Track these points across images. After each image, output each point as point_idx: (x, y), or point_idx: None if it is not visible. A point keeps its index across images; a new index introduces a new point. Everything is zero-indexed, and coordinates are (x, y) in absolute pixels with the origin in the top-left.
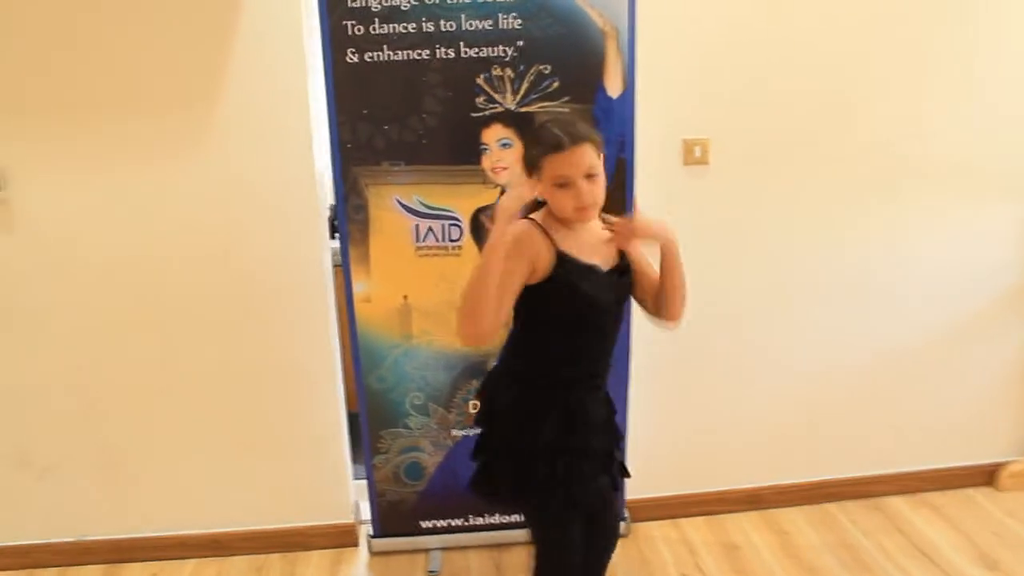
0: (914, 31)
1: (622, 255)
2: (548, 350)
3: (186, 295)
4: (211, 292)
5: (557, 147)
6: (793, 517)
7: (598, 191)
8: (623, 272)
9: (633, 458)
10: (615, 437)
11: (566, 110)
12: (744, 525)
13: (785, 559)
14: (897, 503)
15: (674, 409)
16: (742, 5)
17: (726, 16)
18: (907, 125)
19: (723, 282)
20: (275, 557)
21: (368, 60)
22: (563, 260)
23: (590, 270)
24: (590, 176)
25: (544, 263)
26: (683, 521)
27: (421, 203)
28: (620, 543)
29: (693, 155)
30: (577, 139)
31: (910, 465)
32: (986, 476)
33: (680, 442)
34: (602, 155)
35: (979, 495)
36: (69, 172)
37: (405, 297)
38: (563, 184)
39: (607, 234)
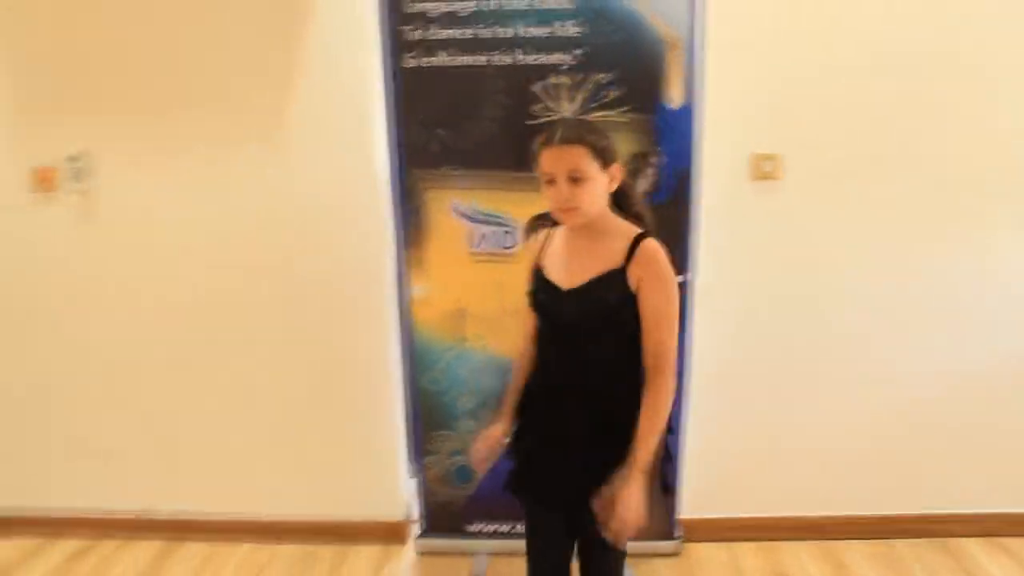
0: (999, 43)
1: (611, 278)
2: (535, 358)
3: (253, 287)
4: (277, 285)
5: (547, 142)
6: (855, 550)
7: (581, 195)
8: (607, 287)
9: (690, 476)
10: (605, 451)
11: (626, 120)
12: (800, 555)
13: None
14: (970, 545)
15: (736, 428)
16: (816, 15)
17: (798, 26)
18: (991, 141)
19: (793, 303)
20: (325, 549)
21: (427, 65)
22: (536, 272)
23: (549, 285)
24: (575, 179)
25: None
26: (738, 545)
27: (477, 209)
28: (670, 562)
29: (762, 170)
30: (567, 139)
31: (988, 506)
32: None
33: (740, 463)
34: (614, 165)
35: None
36: (147, 166)
37: (461, 301)
38: (549, 181)
39: (599, 250)
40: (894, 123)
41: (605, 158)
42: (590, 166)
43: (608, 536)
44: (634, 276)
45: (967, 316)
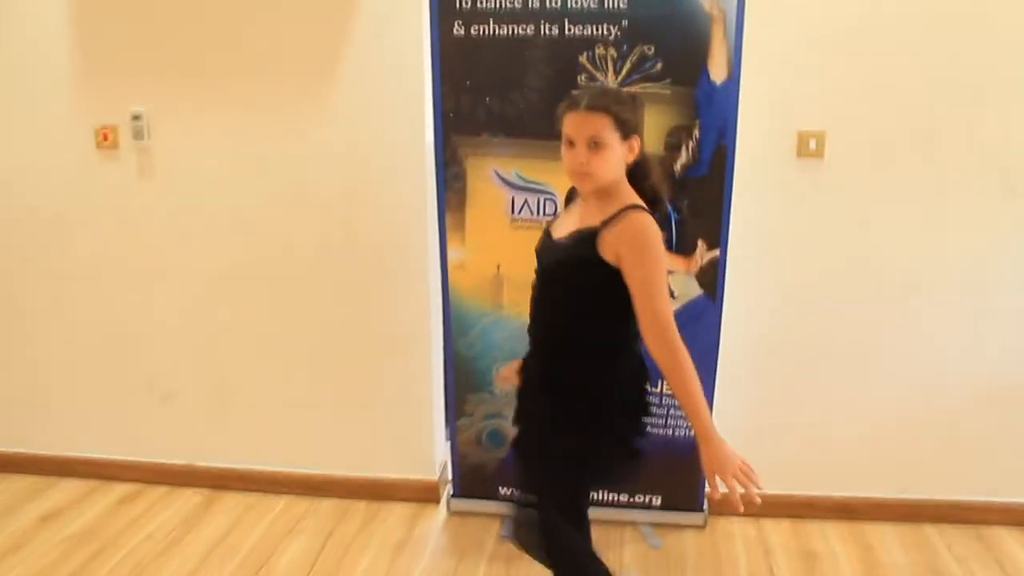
0: None
1: (583, 235)
2: None
3: (300, 248)
4: (323, 246)
5: (572, 105)
6: (884, 533)
7: (597, 162)
8: (575, 244)
9: None
10: (546, 404)
11: (667, 92)
12: (828, 534)
13: (864, 571)
14: (1002, 534)
15: (768, 405)
16: None
17: (851, 7)
18: None
19: (834, 282)
20: (360, 504)
21: (473, 34)
22: (545, 228)
23: (548, 236)
24: (595, 145)
25: None
26: (766, 521)
27: (519, 176)
28: (697, 534)
29: (808, 147)
30: (592, 106)
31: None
32: None
33: (770, 439)
34: (634, 137)
35: None
36: (203, 127)
37: (498, 267)
38: (569, 143)
39: (594, 211)
40: (943, 102)
41: (626, 130)
42: (611, 135)
43: (733, 496)
44: (607, 243)
45: (1013, 304)
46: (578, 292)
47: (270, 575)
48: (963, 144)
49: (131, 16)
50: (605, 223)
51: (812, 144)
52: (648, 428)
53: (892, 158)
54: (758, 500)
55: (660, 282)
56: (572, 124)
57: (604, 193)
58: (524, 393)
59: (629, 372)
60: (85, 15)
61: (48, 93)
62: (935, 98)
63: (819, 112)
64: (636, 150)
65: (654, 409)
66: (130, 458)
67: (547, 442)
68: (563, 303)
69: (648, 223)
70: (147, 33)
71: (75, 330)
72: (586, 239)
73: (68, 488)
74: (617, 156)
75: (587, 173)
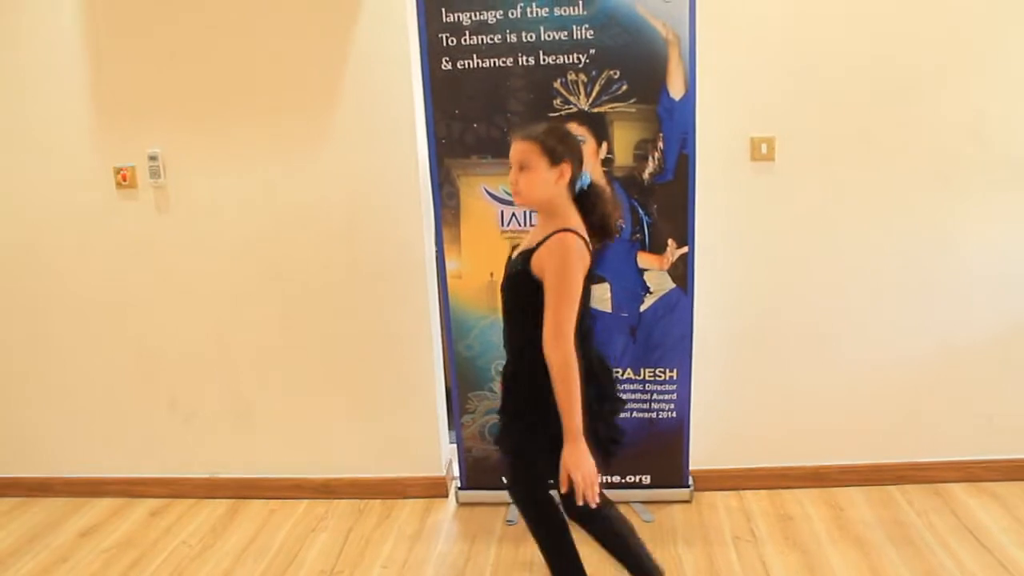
0: (975, 28)
1: (523, 254)
2: None
3: (308, 269)
4: (329, 267)
5: (514, 137)
6: (852, 495)
7: (524, 182)
8: (517, 262)
9: (700, 432)
10: (509, 401)
11: (633, 110)
12: (803, 499)
13: (835, 530)
14: (957, 489)
15: (743, 387)
16: (801, 11)
17: (786, 21)
18: (969, 122)
19: (789, 272)
20: (375, 502)
21: (460, 67)
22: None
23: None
24: (523, 168)
25: None
26: (746, 493)
27: (506, 192)
28: (684, 508)
29: (760, 152)
30: (525, 136)
31: (976, 454)
32: None
33: (747, 418)
34: (564, 164)
35: None
36: (214, 164)
37: (491, 274)
38: (512, 166)
39: (539, 232)
40: (877, 106)
41: (554, 156)
42: (538, 160)
43: (578, 499)
44: (538, 260)
45: (952, 285)
46: (523, 304)
47: (301, 568)
48: (896, 143)
49: (145, 65)
50: (540, 243)
51: (764, 148)
52: (616, 418)
53: (835, 158)
54: (590, 504)
55: (567, 295)
56: (512, 151)
57: (549, 215)
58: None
59: (582, 371)
60: (102, 65)
61: (69, 138)
62: (870, 103)
63: (768, 120)
64: (567, 175)
65: (623, 397)
66: (156, 475)
67: (513, 435)
68: (514, 313)
69: (571, 243)
70: (161, 80)
71: (99, 358)
72: (524, 257)
73: (100, 506)
74: (542, 178)
75: (516, 191)
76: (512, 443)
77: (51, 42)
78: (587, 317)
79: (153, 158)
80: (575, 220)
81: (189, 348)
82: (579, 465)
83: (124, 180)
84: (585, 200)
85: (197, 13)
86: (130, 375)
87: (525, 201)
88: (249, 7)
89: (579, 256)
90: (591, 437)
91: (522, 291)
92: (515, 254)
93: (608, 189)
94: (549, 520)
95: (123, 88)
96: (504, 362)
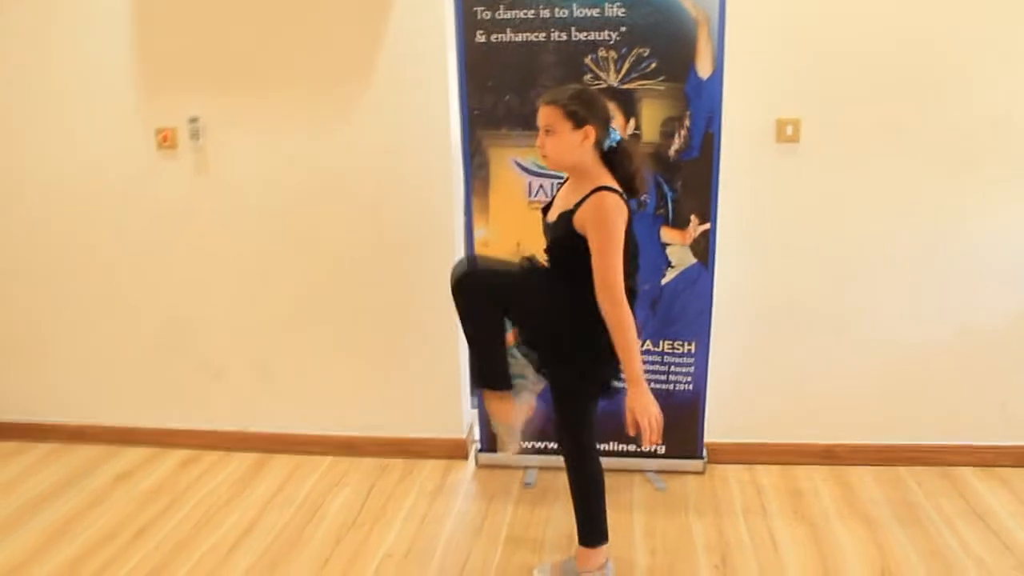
0: (1004, 19)
1: (563, 216)
2: None
3: (338, 234)
4: (359, 233)
5: (540, 100)
6: (862, 474)
7: (550, 145)
8: (559, 226)
9: (716, 406)
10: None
11: (661, 88)
12: (813, 475)
13: (844, 507)
14: (967, 473)
15: (759, 364)
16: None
17: (815, 6)
18: (994, 112)
19: (809, 253)
20: (397, 461)
21: (494, 41)
22: (542, 210)
23: (543, 216)
24: (549, 132)
25: None
26: (758, 467)
27: (535, 163)
28: (697, 479)
29: (785, 133)
30: (547, 101)
31: (988, 439)
32: None
33: (762, 394)
34: (588, 127)
35: None
36: (251, 128)
37: (518, 243)
38: (540, 130)
39: (572, 195)
40: (904, 91)
41: (575, 120)
42: (561, 123)
43: (644, 442)
44: (579, 220)
45: (970, 270)
46: (570, 263)
47: (324, 519)
48: (920, 129)
49: (188, 31)
50: (578, 204)
51: (789, 130)
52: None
53: (860, 141)
54: (652, 446)
55: (612, 250)
56: (538, 115)
57: (580, 176)
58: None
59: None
60: (147, 30)
61: (114, 100)
62: (896, 90)
63: (795, 101)
64: (591, 137)
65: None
66: (187, 427)
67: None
68: (562, 271)
69: (610, 201)
70: (202, 46)
71: (136, 313)
72: (566, 219)
73: (134, 454)
74: (567, 141)
75: (544, 155)
76: (561, 389)
77: (100, 8)
78: (633, 276)
79: (193, 120)
80: (607, 178)
81: (221, 306)
82: (645, 408)
83: (165, 141)
84: (613, 158)
85: None
86: (162, 329)
87: (553, 164)
88: None
89: (618, 211)
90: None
91: (569, 250)
92: (551, 218)
93: (636, 147)
94: (592, 465)
95: (167, 53)
96: None
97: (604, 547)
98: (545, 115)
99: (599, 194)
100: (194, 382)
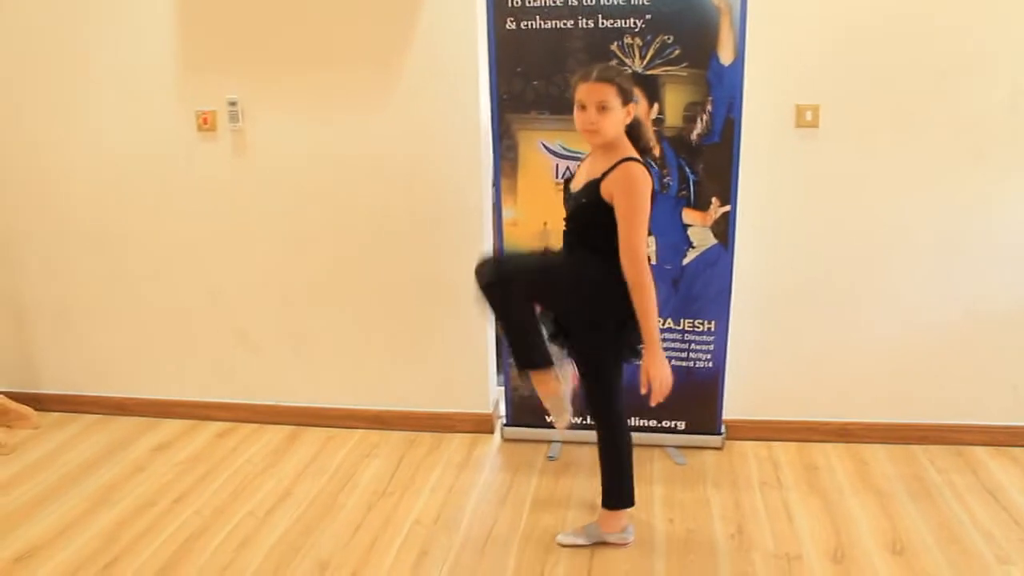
0: (1018, 7)
1: (590, 184)
2: None
3: (370, 214)
4: (390, 213)
5: (584, 78)
6: (876, 451)
7: (603, 122)
8: (585, 192)
9: (735, 383)
10: (572, 312)
11: (684, 74)
12: (829, 452)
13: (857, 482)
14: (980, 452)
15: (777, 343)
16: None
17: None
18: (1008, 99)
19: (826, 236)
20: (426, 435)
21: (523, 27)
22: (566, 182)
23: (568, 189)
24: (603, 108)
25: None
26: (775, 444)
27: (562, 146)
28: (716, 454)
29: (804, 119)
30: (601, 78)
31: (1001, 419)
32: None
33: (780, 373)
34: (633, 103)
35: None
36: (288, 111)
37: (545, 223)
38: (581, 107)
39: (599, 164)
40: (919, 79)
41: (625, 96)
42: (614, 100)
43: (652, 400)
44: (608, 189)
45: (982, 252)
46: (593, 229)
47: (356, 487)
48: (936, 116)
49: (227, 17)
50: (606, 173)
51: (808, 116)
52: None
53: (877, 127)
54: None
55: (637, 218)
56: (584, 92)
57: (608, 148)
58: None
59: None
60: (187, 17)
61: (156, 84)
62: (913, 76)
63: (814, 88)
64: (632, 113)
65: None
66: (223, 400)
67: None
68: (584, 239)
69: (637, 171)
70: (241, 31)
71: (175, 289)
72: (593, 187)
73: (171, 426)
74: (618, 117)
75: (596, 131)
76: (586, 352)
77: None
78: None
79: (232, 103)
80: (632, 150)
81: (256, 284)
82: (658, 370)
83: (205, 123)
84: (631, 131)
85: None
86: (200, 307)
87: (602, 140)
88: None
89: (645, 181)
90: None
91: (593, 216)
92: (575, 187)
93: (646, 122)
94: (622, 431)
95: (207, 37)
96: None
97: (625, 511)
98: (599, 91)
99: (628, 164)
100: (231, 356)
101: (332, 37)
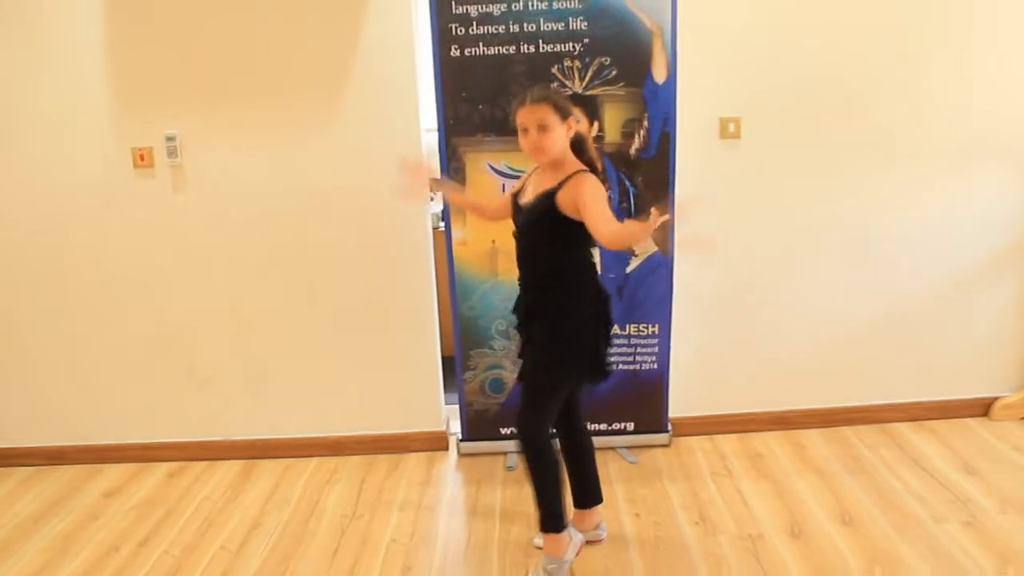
0: (912, 30)
1: (543, 195)
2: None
3: (316, 242)
4: (337, 240)
5: (521, 102)
6: (811, 435)
7: (546, 141)
8: (538, 203)
9: (677, 383)
10: (534, 331)
11: (621, 93)
12: (769, 440)
13: (800, 463)
14: (902, 428)
15: (714, 343)
16: (770, 12)
17: (756, 18)
18: (905, 107)
19: (754, 238)
20: (382, 457)
21: (468, 54)
22: (512, 197)
23: (517, 204)
24: (542, 128)
25: None
26: (718, 437)
27: (508, 166)
28: (664, 451)
29: (728, 130)
30: (536, 99)
31: (917, 396)
32: (983, 408)
33: (718, 371)
34: (572, 119)
35: (974, 423)
36: (229, 144)
37: (493, 241)
38: (524, 130)
39: (549, 179)
40: (830, 92)
41: (563, 113)
42: (552, 118)
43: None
44: (565, 198)
45: (896, 248)
46: (546, 237)
47: (324, 513)
48: (847, 125)
49: (164, 49)
50: (560, 184)
51: (731, 127)
52: (613, 340)
53: (792, 136)
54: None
55: (604, 211)
56: (523, 115)
57: (556, 165)
58: (522, 328)
59: (593, 290)
60: (119, 52)
61: (90, 120)
62: (825, 90)
63: (736, 102)
64: (573, 127)
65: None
66: (169, 439)
67: (540, 354)
68: (537, 247)
69: (592, 178)
70: (179, 63)
71: (115, 330)
72: (547, 197)
73: (117, 470)
74: (560, 133)
75: (541, 149)
76: (536, 373)
77: (72, 27)
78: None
79: (171, 139)
80: (581, 164)
81: (203, 318)
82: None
83: (142, 160)
84: (574, 148)
85: None
86: (145, 346)
87: (548, 157)
88: None
89: (601, 188)
90: (601, 355)
91: (549, 225)
92: (525, 200)
93: (590, 138)
94: (547, 458)
95: (142, 71)
96: (518, 307)
97: (566, 533)
98: (537, 112)
99: (582, 175)
100: (179, 394)
101: (272, 68)
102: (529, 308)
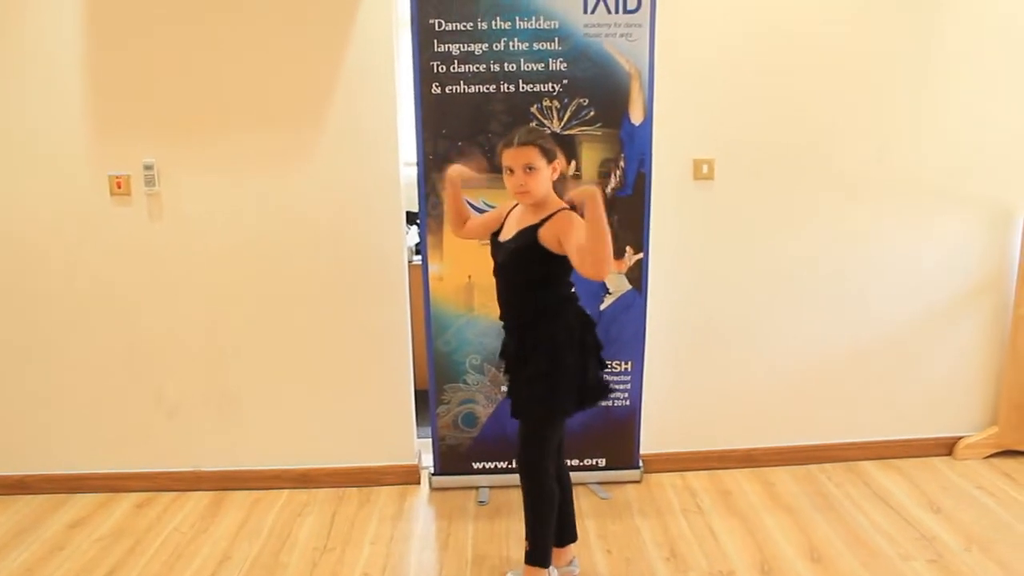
0: (880, 77)
1: (525, 230)
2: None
3: (292, 274)
4: (312, 272)
5: (508, 144)
6: (780, 473)
7: (532, 183)
8: (519, 239)
9: (648, 420)
10: (520, 370)
11: (599, 133)
12: (738, 478)
13: (768, 501)
14: (868, 466)
15: (685, 383)
16: (742, 58)
17: (729, 66)
18: (870, 151)
19: (725, 278)
20: (353, 490)
21: (448, 92)
22: (493, 235)
23: (497, 241)
24: (529, 169)
25: None
26: (688, 473)
27: (485, 203)
28: (635, 487)
29: (701, 172)
30: (524, 141)
31: (883, 435)
32: (946, 447)
33: (689, 409)
34: (557, 162)
35: (938, 462)
36: (206, 173)
37: (469, 277)
38: (510, 171)
39: (530, 217)
40: (800, 135)
41: (549, 156)
42: (539, 160)
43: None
44: (547, 234)
45: (863, 289)
46: (527, 271)
47: (295, 545)
48: (814, 165)
49: (143, 78)
50: (543, 221)
51: (705, 169)
52: (606, 364)
53: (763, 177)
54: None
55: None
56: (510, 157)
57: (539, 205)
58: (508, 366)
59: (577, 321)
60: (97, 80)
61: (67, 147)
62: (795, 132)
63: (710, 144)
64: (559, 169)
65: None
66: (138, 470)
67: (528, 389)
68: (516, 284)
69: (575, 215)
70: (158, 92)
71: (87, 359)
72: (528, 233)
73: (83, 500)
74: (545, 175)
75: (527, 191)
76: (533, 407)
77: (50, 55)
78: (573, 285)
79: (148, 167)
80: (561, 202)
81: (174, 347)
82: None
83: (119, 187)
84: (557, 187)
85: (196, 26)
86: (116, 374)
87: (533, 198)
88: (246, 26)
89: (581, 223)
90: (593, 379)
91: (531, 261)
92: (505, 237)
93: (572, 180)
94: (548, 488)
95: (120, 100)
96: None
97: (546, 570)
98: (523, 154)
99: (566, 213)
100: (147, 424)
101: (252, 99)
102: (517, 349)
